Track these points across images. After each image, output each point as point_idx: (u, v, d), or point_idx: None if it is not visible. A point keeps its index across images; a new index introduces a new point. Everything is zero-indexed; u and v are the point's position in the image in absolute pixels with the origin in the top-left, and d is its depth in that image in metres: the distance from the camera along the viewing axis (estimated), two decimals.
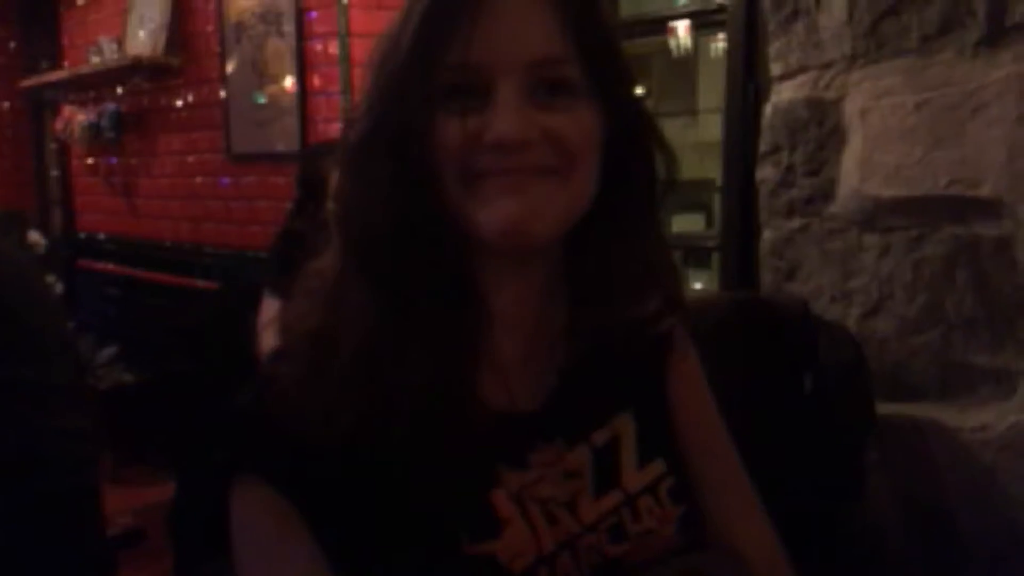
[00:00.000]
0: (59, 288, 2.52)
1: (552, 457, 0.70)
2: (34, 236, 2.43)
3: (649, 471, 0.73)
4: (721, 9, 1.78)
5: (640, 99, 0.73)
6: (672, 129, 3.10)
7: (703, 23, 2.01)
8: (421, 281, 0.65)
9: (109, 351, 2.59)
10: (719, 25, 1.87)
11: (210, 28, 3.45)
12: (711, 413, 0.80)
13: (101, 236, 4.47)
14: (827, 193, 1.44)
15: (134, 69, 3.70)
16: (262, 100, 3.25)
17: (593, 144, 0.66)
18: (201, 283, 3.64)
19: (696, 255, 2.72)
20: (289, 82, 3.12)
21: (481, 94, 0.63)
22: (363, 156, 0.67)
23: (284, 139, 3.19)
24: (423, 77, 0.63)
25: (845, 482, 1.19)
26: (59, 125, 4.38)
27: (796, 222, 1.49)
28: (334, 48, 2.95)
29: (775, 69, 1.51)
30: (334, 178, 2.44)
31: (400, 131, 0.64)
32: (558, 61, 0.64)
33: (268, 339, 2.68)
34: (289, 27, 3.07)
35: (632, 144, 0.69)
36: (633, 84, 0.71)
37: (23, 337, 0.90)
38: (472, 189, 0.64)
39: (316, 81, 3.05)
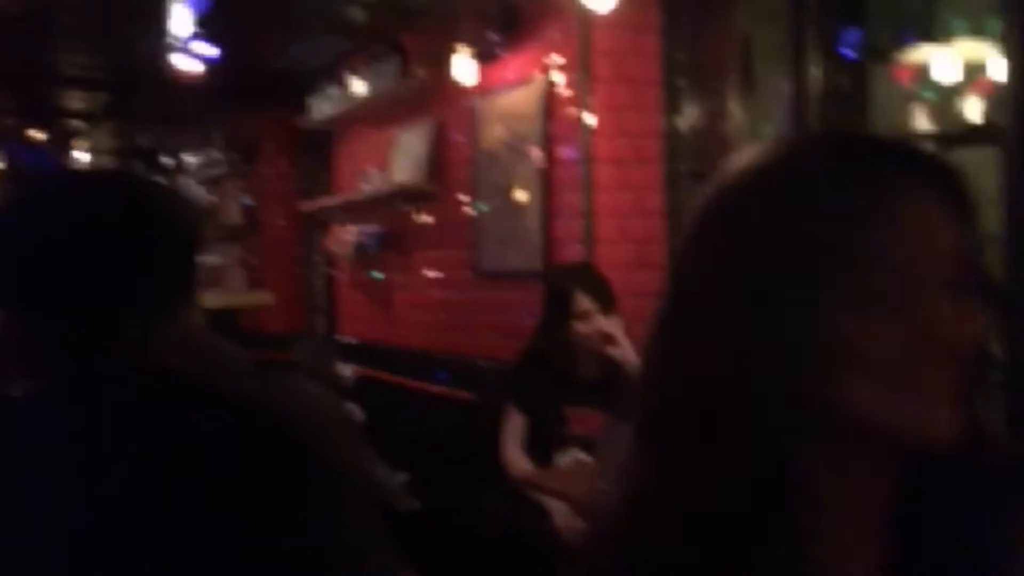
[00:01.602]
0: (360, 415, 2.75)
1: None
2: (343, 368, 2.69)
3: None
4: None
5: None
6: None
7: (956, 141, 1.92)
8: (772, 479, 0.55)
9: (401, 477, 2.75)
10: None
11: (464, 157, 3.79)
12: None
13: (354, 341, 4.93)
14: None
15: (397, 195, 4.13)
16: (507, 222, 3.49)
17: None
18: (441, 389, 3.91)
19: None
20: (534, 205, 3.33)
21: None
22: (712, 324, 0.57)
23: (528, 258, 3.38)
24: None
25: None
26: (329, 243, 4.95)
27: None
28: (577, 174, 3.12)
29: None
30: (579, 299, 2.53)
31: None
32: None
33: (511, 454, 2.77)
34: (535, 155, 3.30)
35: None
36: None
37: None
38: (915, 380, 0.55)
39: (559, 204, 3.24)
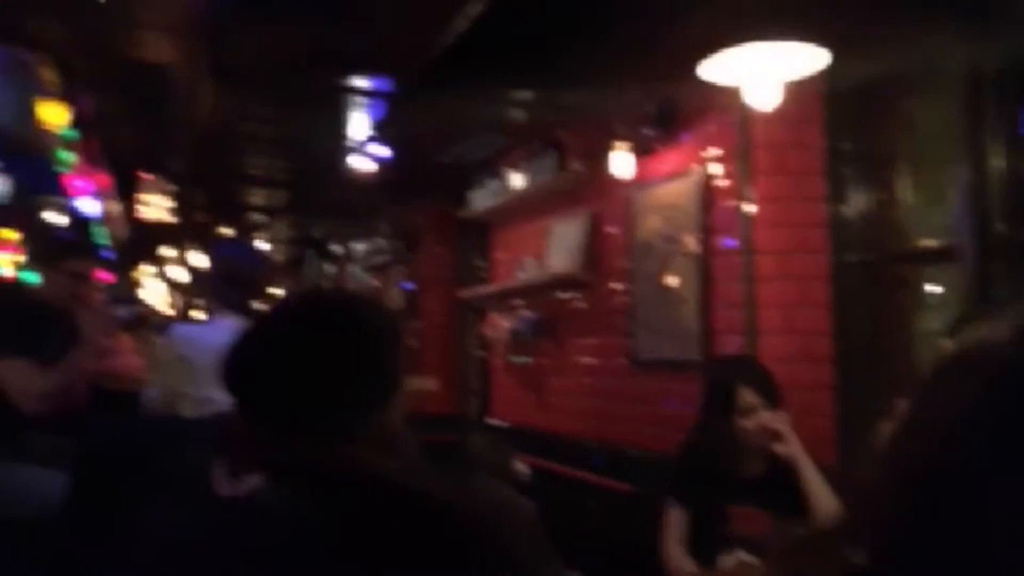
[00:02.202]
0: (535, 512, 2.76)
1: None
2: (519, 466, 2.72)
3: None
4: None
5: None
6: None
7: None
8: None
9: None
10: None
11: (619, 247, 3.85)
12: None
13: (506, 425, 5.01)
14: None
15: (552, 283, 4.24)
16: (664, 311, 3.49)
17: None
18: (594, 476, 3.87)
19: None
20: (692, 295, 3.32)
21: None
22: None
23: (685, 348, 3.35)
24: None
25: None
26: (486, 329, 5.11)
27: None
28: (737, 264, 3.10)
29: None
30: (742, 393, 2.47)
31: None
32: None
33: (672, 551, 2.69)
34: (694, 245, 3.31)
35: None
36: None
37: None
38: None
39: (718, 295, 3.21)
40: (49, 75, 4.17)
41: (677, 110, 3.43)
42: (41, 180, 6.72)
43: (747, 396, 2.52)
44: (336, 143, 4.69)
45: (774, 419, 2.50)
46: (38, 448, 2.68)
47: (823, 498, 2.37)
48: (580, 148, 4.07)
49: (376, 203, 6.50)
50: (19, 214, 8.46)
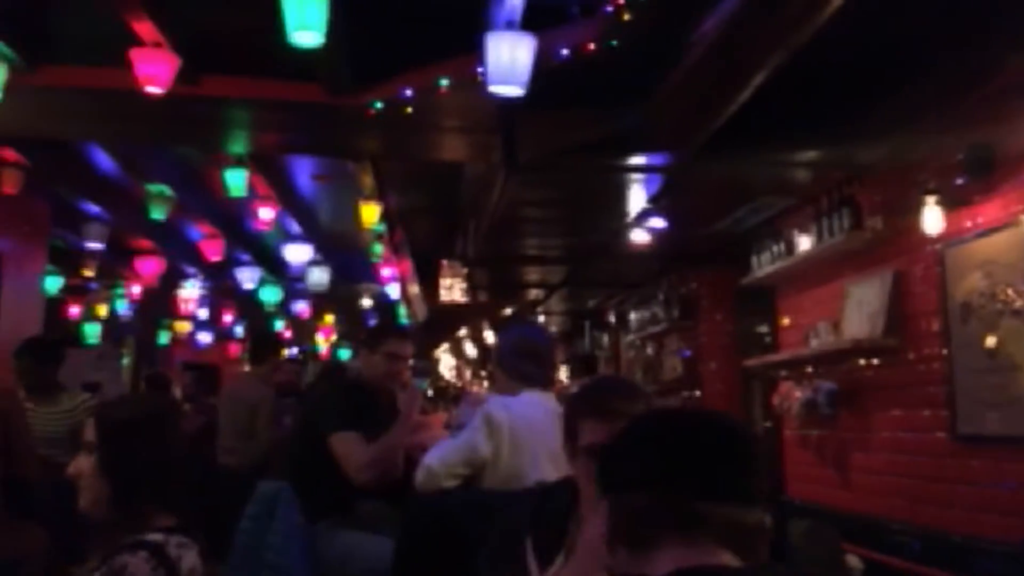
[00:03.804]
0: None
1: None
2: (852, 560, 2.54)
3: None
4: None
5: None
6: None
7: None
8: None
9: None
10: None
11: (930, 308, 3.50)
12: None
13: (799, 502, 4.65)
14: None
15: (850, 350, 3.93)
16: (992, 379, 3.09)
17: None
18: (907, 563, 3.45)
19: None
20: None
21: None
22: None
23: (1021, 422, 2.93)
24: None
25: None
26: (776, 400, 4.85)
27: None
28: None
29: None
30: None
31: None
32: None
33: None
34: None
35: None
36: None
37: None
38: None
39: None
40: (367, 180, 4.75)
41: (993, 155, 3.08)
42: (356, 270, 7.61)
43: None
44: (612, 218, 4.81)
45: None
46: (364, 515, 2.95)
47: None
48: (877, 204, 3.80)
49: (651, 272, 6.54)
50: (336, 300, 9.64)
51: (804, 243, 4.29)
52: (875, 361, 3.91)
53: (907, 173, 3.47)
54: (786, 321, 4.97)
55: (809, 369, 4.50)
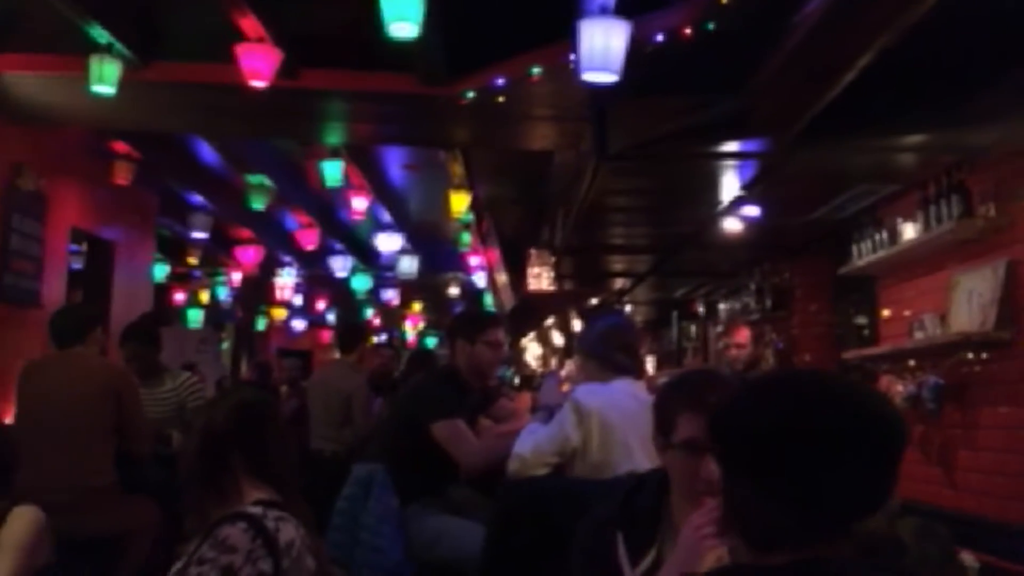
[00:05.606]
0: None
1: None
2: (967, 558, 2.42)
3: None
4: None
5: None
6: None
7: None
8: None
9: None
10: None
11: None
12: None
13: (898, 501, 4.47)
14: None
15: (958, 343, 3.75)
16: None
17: None
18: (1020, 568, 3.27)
19: None
20: None
21: None
22: None
23: None
24: None
25: None
26: None
27: None
28: None
29: None
30: None
31: None
32: None
33: None
34: None
35: None
36: None
37: None
38: None
39: None
40: (457, 169, 4.80)
41: None
42: (443, 259, 7.72)
43: None
44: (703, 207, 4.71)
45: None
46: (455, 500, 2.99)
47: None
48: (989, 190, 3.60)
49: (741, 262, 6.39)
50: (423, 289, 9.81)
51: (909, 231, 4.10)
52: (984, 355, 3.72)
53: (1021, 157, 3.28)
54: (887, 312, 4.78)
55: (912, 363, 4.31)
